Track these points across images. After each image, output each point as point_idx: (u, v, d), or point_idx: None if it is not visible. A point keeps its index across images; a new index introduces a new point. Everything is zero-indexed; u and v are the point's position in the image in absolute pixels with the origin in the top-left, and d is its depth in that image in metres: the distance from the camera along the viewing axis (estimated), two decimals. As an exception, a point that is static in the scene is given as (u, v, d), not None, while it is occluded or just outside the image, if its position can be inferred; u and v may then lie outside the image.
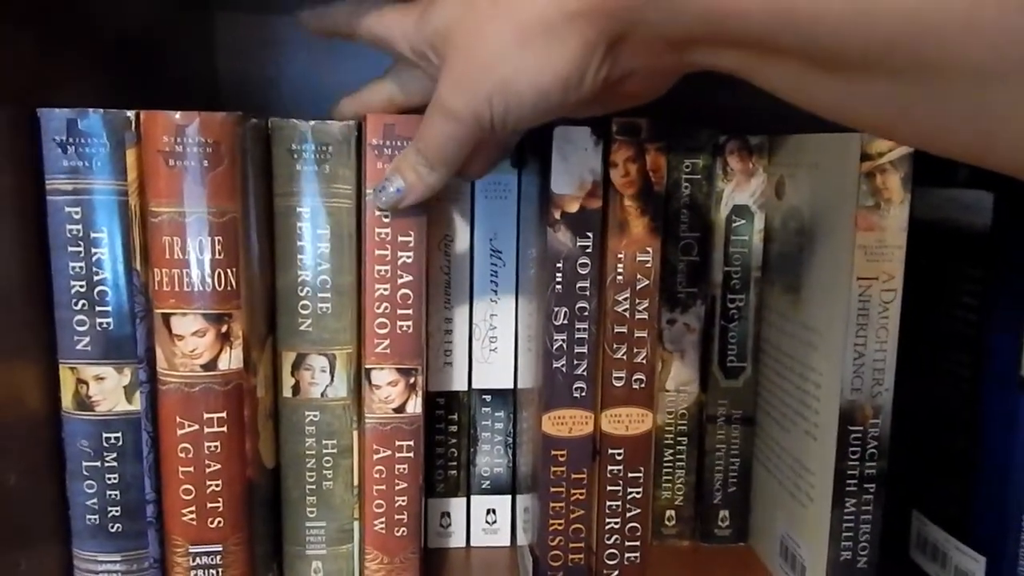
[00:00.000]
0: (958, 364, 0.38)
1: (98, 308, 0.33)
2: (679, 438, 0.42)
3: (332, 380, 0.36)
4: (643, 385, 0.36)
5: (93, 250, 0.33)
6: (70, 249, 0.33)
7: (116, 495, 0.35)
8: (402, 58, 0.31)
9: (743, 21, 0.19)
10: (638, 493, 0.37)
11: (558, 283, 0.35)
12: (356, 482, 0.37)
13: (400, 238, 0.34)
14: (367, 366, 0.35)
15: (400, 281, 0.34)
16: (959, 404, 0.38)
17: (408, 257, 0.34)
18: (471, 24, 0.25)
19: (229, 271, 0.33)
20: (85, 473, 0.34)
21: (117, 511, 0.35)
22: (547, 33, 0.23)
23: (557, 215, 0.35)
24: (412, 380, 0.35)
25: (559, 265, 0.35)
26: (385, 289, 0.34)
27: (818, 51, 0.18)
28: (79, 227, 0.33)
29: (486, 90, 0.26)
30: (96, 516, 0.35)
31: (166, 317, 0.33)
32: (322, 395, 0.37)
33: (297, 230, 0.35)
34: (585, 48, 0.24)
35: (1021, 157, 0.16)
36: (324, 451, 0.37)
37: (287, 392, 0.37)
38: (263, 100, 0.58)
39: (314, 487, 0.37)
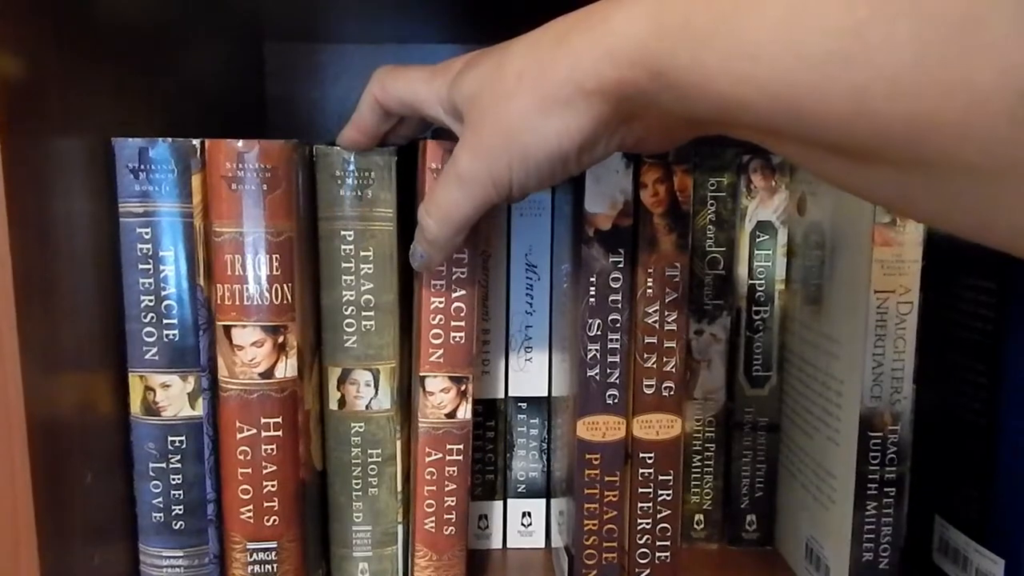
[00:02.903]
0: (976, 373, 0.39)
1: (165, 320, 0.35)
2: (707, 445, 0.43)
3: (376, 393, 0.38)
4: (672, 392, 0.37)
5: (161, 267, 0.35)
6: (140, 266, 0.35)
7: (179, 494, 0.36)
8: (433, 121, 0.32)
9: (751, 112, 0.20)
10: (668, 495, 0.38)
11: (592, 296, 0.36)
12: (400, 487, 0.38)
13: (455, 255, 0.35)
14: (421, 374, 0.36)
15: (454, 295, 0.36)
16: (978, 412, 0.39)
17: (462, 273, 0.36)
18: (497, 94, 0.27)
19: (285, 286, 0.35)
20: (151, 474, 0.36)
21: (180, 509, 0.36)
22: (566, 106, 0.25)
23: (591, 232, 0.36)
24: (463, 387, 0.37)
25: (592, 279, 0.36)
26: (440, 302, 0.36)
27: (821, 141, 0.19)
28: (148, 246, 0.35)
29: (507, 156, 0.27)
30: (161, 514, 0.36)
31: (227, 329, 0.35)
32: (367, 407, 0.38)
33: (341, 252, 0.37)
34: (599, 121, 0.25)
35: (1018, 243, 0.17)
36: (369, 460, 0.38)
37: (333, 405, 0.38)
38: (308, 122, 0.60)
39: (360, 493, 0.39)
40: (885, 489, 0.36)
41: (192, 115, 0.45)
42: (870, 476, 0.36)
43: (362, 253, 0.37)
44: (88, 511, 0.33)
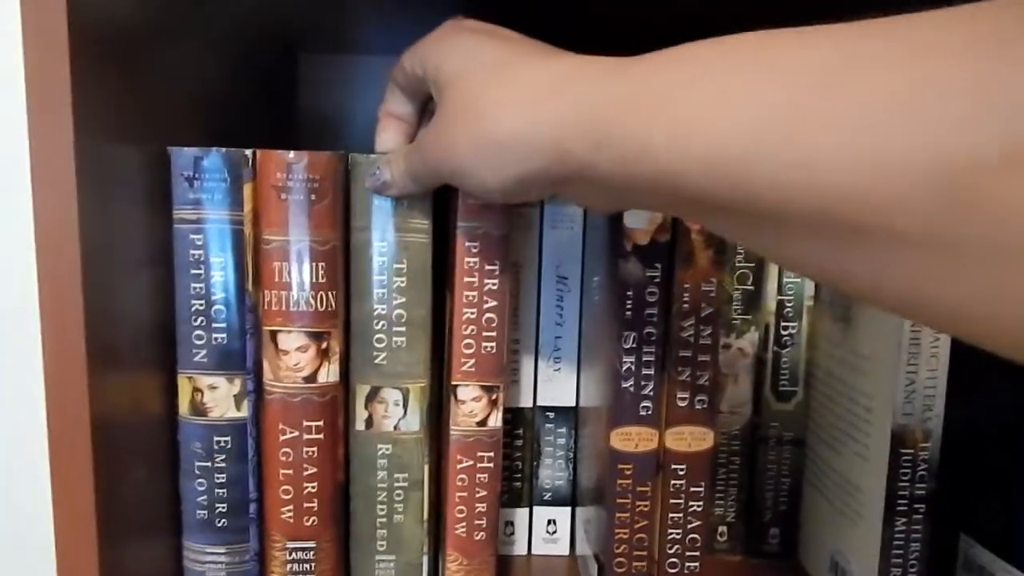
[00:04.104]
0: (1002, 391, 0.39)
1: (214, 324, 0.36)
2: (732, 457, 0.44)
3: (405, 414, 0.37)
4: (705, 405, 0.38)
5: (211, 273, 0.36)
6: (191, 272, 0.36)
7: (223, 493, 0.37)
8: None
9: (693, 183, 0.20)
10: (698, 506, 0.39)
11: (628, 309, 0.37)
12: (427, 516, 0.38)
13: (487, 267, 0.36)
14: (453, 382, 0.37)
15: (486, 306, 0.36)
16: (1005, 429, 0.39)
17: (493, 284, 0.36)
18: (459, 103, 0.28)
19: (330, 293, 0.36)
20: (196, 472, 0.37)
21: (223, 508, 0.37)
22: (503, 153, 0.26)
23: (628, 247, 0.37)
24: (494, 396, 0.37)
25: (629, 293, 0.37)
26: (472, 313, 0.36)
27: (756, 211, 0.19)
28: (200, 252, 0.36)
29: (447, 168, 0.29)
30: (205, 511, 0.37)
31: (273, 334, 0.36)
32: (395, 428, 0.37)
33: (373, 264, 0.36)
34: (535, 176, 0.26)
35: (951, 323, 0.17)
36: (395, 484, 0.37)
37: (360, 425, 0.37)
38: (340, 133, 0.62)
39: (384, 520, 0.37)
40: (915, 506, 0.36)
41: (229, 125, 0.46)
42: (900, 493, 0.36)
43: (395, 266, 0.36)
44: (139, 507, 0.34)
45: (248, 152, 0.35)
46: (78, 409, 0.28)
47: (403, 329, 0.37)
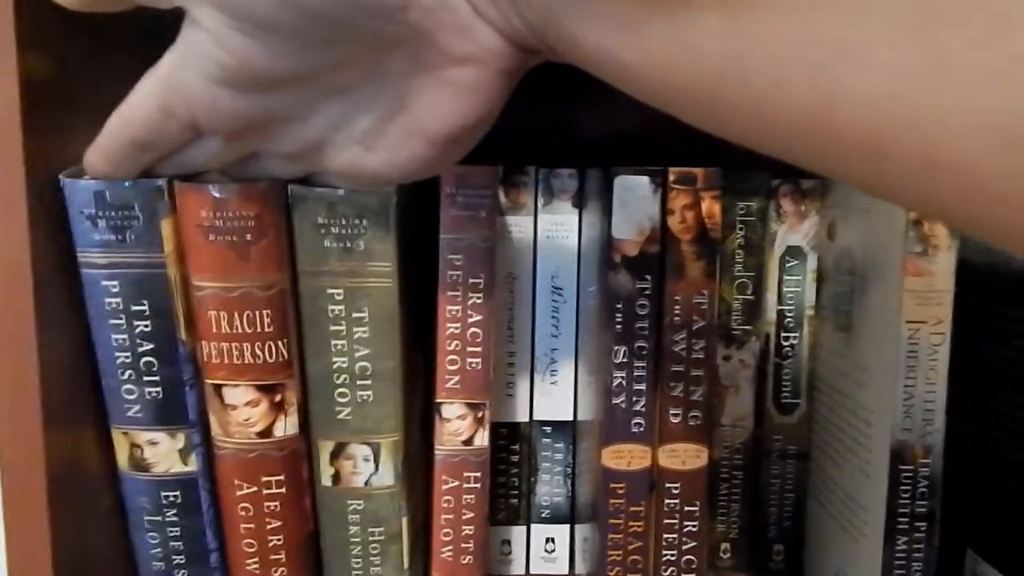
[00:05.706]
0: (1011, 405, 0.37)
1: (145, 377, 0.31)
2: (734, 472, 0.41)
3: (377, 469, 0.33)
4: (699, 422, 0.35)
5: (135, 322, 0.31)
6: (111, 321, 0.31)
7: (179, 545, 0.33)
8: None
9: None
10: (694, 526, 0.37)
11: (618, 323, 0.34)
12: (407, 563, 0.34)
13: (471, 280, 0.32)
14: (437, 400, 0.34)
15: (470, 320, 0.33)
16: (1013, 444, 0.37)
17: (478, 298, 0.33)
18: None
19: (280, 343, 0.31)
20: (147, 526, 0.33)
21: (181, 559, 0.34)
22: None
23: (617, 259, 0.33)
24: (480, 414, 0.34)
25: (619, 306, 0.34)
26: (456, 328, 0.33)
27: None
28: (118, 300, 0.30)
29: None
30: (161, 563, 0.34)
31: (217, 387, 0.31)
32: (366, 484, 0.33)
33: (329, 313, 0.31)
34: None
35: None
36: (370, 538, 0.34)
37: (326, 481, 0.33)
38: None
39: (360, 573, 0.34)
40: (916, 523, 0.34)
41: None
42: (901, 510, 0.34)
43: (355, 315, 0.31)
44: (88, 563, 0.31)
45: (161, 183, 0.29)
46: (35, 465, 0.26)
47: (368, 383, 0.32)
